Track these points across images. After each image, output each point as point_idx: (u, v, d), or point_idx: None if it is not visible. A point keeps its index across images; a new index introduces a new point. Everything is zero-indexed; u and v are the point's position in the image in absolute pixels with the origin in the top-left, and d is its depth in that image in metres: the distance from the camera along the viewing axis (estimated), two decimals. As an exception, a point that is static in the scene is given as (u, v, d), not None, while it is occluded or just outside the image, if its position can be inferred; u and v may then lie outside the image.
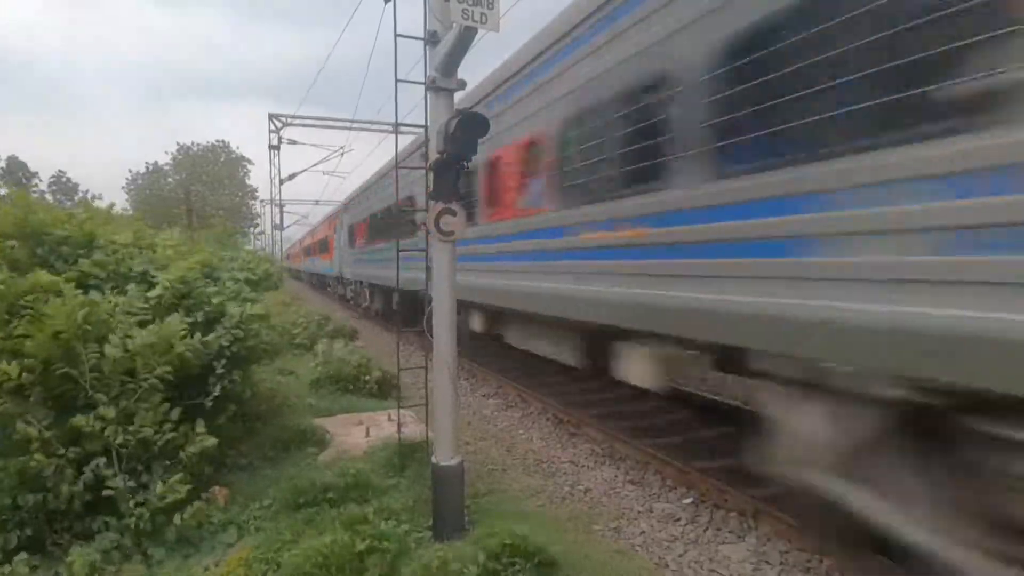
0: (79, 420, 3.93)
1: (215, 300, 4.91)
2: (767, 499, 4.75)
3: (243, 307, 5.04)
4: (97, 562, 3.68)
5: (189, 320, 4.63)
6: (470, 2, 3.61)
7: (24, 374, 3.86)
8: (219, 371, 4.89)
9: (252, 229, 55.46)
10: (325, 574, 3.46)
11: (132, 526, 3.90)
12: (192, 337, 4.44)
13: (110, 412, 4.01)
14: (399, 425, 5.66)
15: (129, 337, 4.10)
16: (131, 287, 4.63)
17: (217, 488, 4.63)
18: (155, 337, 4.18)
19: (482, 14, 3.65)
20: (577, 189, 5.68)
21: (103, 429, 3.97)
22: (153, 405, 4.21)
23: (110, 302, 4.36)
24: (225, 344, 4.82)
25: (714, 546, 4.30)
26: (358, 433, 6.44)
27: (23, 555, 3.71)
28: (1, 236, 4.49)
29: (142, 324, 4.35)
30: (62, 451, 3.93)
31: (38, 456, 3.78)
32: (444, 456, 4.23)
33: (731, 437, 6.54)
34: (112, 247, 4.96)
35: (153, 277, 4.92)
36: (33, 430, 3.82)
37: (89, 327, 4.08)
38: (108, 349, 4.04)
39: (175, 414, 4.33)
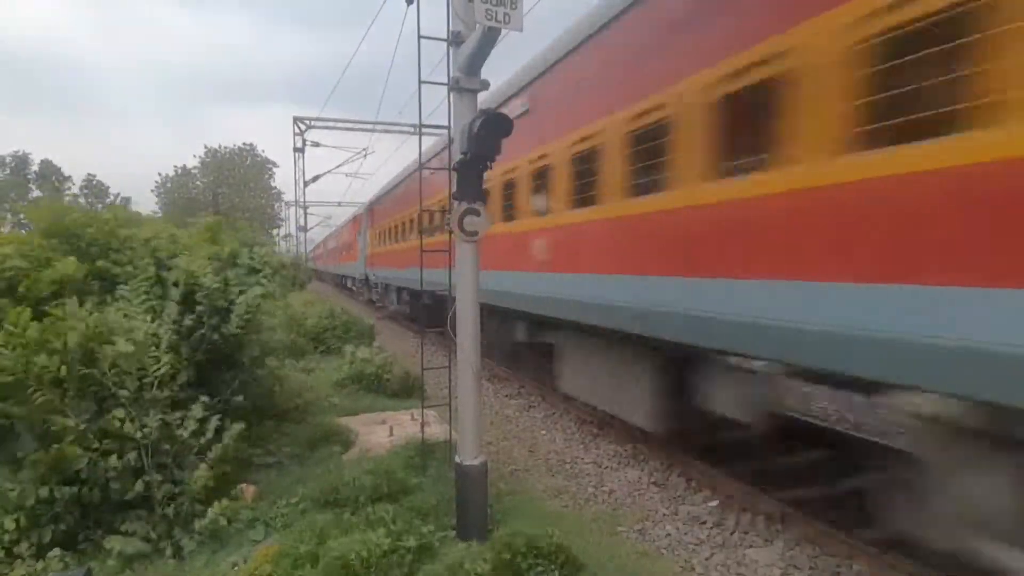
0: (106, 421, 4.07)
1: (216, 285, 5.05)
2: (795, 503, 4.68)
3: (246, 295, 5.12)
4: (131, 551, 3.77)
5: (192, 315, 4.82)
6: (493, 2, 3.61)
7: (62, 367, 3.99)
8: (243, 361, 5.06)
9: (276, 231, 56.31)
10: (362, 571, 3.48)
11: (167, 515, 3.99)
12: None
13: (120, 413, 4.15)
14: (423, 425, 5.68)
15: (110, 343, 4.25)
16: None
17: (245, 485, 4.70)
18: (132, 347, 4.31)
19: (506, 14, 3.65)
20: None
21: (121, 425, 4.10)
22: (172, 393, 4.34)
23: (118, 310, 4.54)
24: (235, 331, 4.94)
25: (741, 550, 4.24)
26: (382, 432, 6.49)
27: (57, 551, 3.81)
28: (42, 234, 4.76)
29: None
30: (96, 444, 4.04)
31: (71, 448, 3.88)
32: (467, 456, 4.23)
33: (756, 440, 6.45)
34: (129, 244, 5.16)
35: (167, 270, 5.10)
36: (70, 422, 3.93)
37: (101, 330, 4.25)
38: (108, 349, 4.19)
39: (198, 410, 4.47)
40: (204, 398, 4.61)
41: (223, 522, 4.18)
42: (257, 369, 5.39)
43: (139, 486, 4.04)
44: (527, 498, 5.04)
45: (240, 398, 5.07)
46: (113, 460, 4.02)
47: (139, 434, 4.12)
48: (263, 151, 62.61)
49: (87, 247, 4.97)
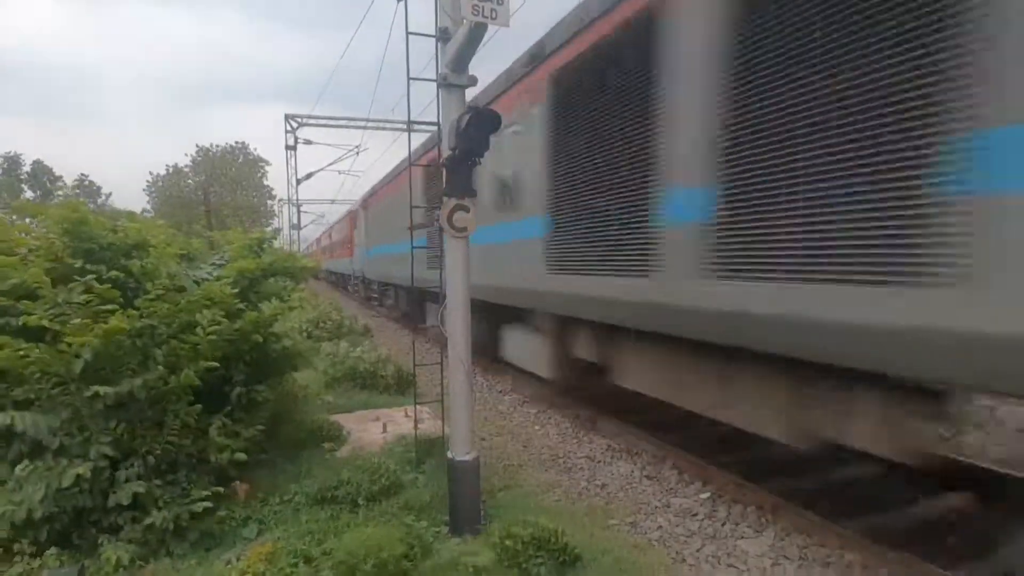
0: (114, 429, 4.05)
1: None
2: (786, 493, 4.72)
3: (257, 311, 5.10)
4: (126, 558, 3.76)
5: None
6: (480, -2, 3.61)
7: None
8: (238, 379, 4.93)
9: (269, 228, 56.04)
10: (371, 569, 3.47)
11: (159, 525, 3.97)
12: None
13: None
14: (416, 421, 5.69)
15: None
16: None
17: (237, 483, 4.69)
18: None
19: (492, 10, 3.64)
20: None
21: (132, 438, 4.09)
22: (182, 409, 4.33)
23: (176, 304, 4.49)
24: (245, 348, 4.92)
25: (732, 541, 4.27)
26: (375, 429, 6.50)
27: (54, 550, 3.81)
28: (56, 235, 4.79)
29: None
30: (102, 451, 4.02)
31: (76, 467, 3.86)
32: (460, 451, 4.25)
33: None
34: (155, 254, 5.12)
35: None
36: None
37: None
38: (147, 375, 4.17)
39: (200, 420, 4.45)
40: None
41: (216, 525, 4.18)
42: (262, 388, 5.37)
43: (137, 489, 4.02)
44: (520, 493, 5.06)
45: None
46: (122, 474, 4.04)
47: (145, 448, 4.11)
48: (256, 149, 62.36)
49: (100, 251, 4.94)
